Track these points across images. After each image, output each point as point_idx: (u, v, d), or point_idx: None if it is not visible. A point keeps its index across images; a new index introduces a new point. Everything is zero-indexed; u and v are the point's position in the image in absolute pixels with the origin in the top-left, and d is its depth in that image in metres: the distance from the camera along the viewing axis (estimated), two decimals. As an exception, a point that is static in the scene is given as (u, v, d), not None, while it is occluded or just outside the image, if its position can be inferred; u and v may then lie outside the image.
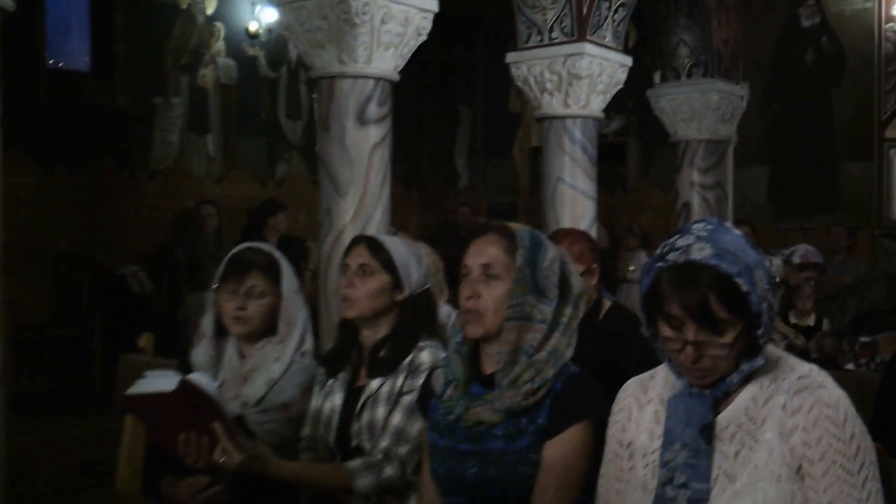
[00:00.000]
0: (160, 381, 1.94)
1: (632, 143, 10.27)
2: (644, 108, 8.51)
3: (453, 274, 3.81)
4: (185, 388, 1.91)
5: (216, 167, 8.59)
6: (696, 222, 1.65)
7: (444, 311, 3.30)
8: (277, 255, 2.46)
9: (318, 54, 4.90)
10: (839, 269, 7.30)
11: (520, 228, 2.00)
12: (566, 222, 6.33)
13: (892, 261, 8.39)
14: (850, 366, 4.51)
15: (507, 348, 1.90)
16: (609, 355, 2.78)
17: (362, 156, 4.87)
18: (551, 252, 1.98)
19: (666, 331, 1.60)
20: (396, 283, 2.30)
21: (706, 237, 1.58)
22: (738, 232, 1.63)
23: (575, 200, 6.49)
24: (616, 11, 6.64)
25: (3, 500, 3.19)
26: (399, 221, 6.28)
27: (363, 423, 2.22)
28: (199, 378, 1.97)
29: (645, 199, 9.73)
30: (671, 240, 1.62)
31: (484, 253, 1.96)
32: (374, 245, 2.33)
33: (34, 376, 6.52)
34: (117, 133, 7.75)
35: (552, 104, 6.55)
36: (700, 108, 7.98)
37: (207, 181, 8.38)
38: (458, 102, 11.18)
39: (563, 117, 6.50)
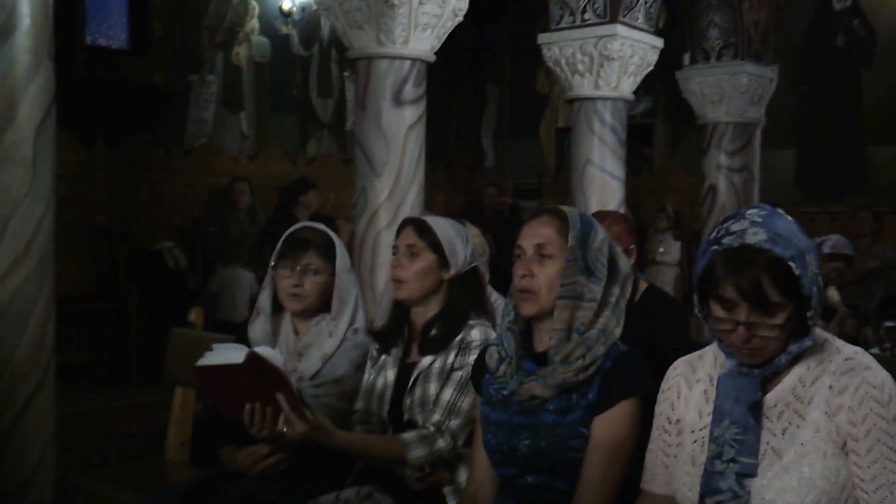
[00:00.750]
0: (229, 354, 2.04)
1: (659, 124, 10.26)
2: (672, 89, 8.51)
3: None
4: (254, 360, 2.00)
5: (249, 145, 8.68)
6: (749, 208, 1.71)
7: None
8: (332, 234, 2.55)
9: (357, 35, 4.97)
10: (865, 253, 7.32)
11: (571, 211, 2.08)
12: (594, 204, 6.40)
13: (918, 246, 8.38)
14: (874, 350, 4.55)
15: (560, 326, 1.97)
16: (645, 336, 2.85)
17: (398, 136, 4.95)
18: (601, 234, 2.06)
19: (718, 311, 1.67)
20: (443, 263, 2.37)
21: (760, 222, 1.64)
22: (790, 218, 1.70)
23: (604, 182, 6.55)
24: (648, -7, 6.65)
25: (55, 467, 3.31)
26: (426, 201, 6.35)
27: (415, 397, 2.31)
28: (266, 351, 2.06)
29: (671, 180, 9.74)
30: (725, 224, 1.69)
31: (538, 234, 2.03)
32: (420, 226, 2.41)
33: (73, 348, 6.66)
34: (154, 110, 7.85)
35: (583, 85, 6.59)
36: (729, 90, 7.99)
37: (241, 158, 8.47)
38: (486, 82, 11.20)
39: (594, 99, 6.55)
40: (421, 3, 4.90)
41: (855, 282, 6.89)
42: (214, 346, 2.08)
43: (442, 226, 2.42)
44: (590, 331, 1.98)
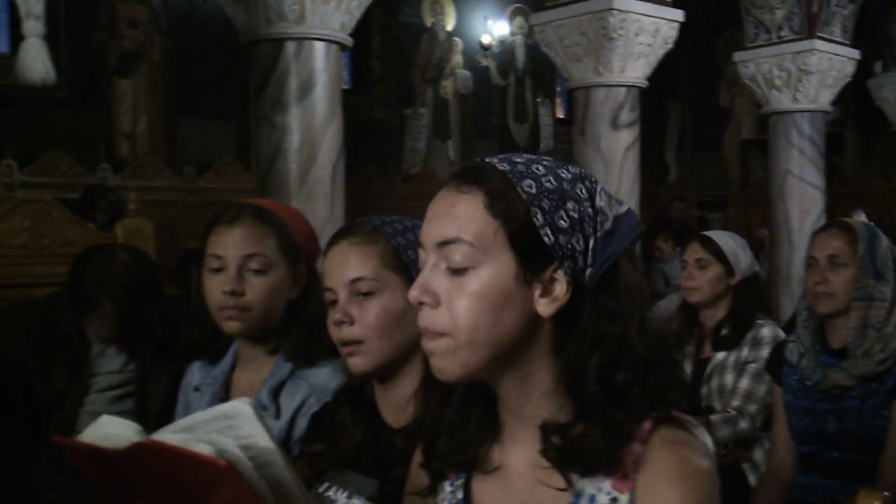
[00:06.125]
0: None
1: (848, 132, 10.18)
2: (861, 97, 8.50)
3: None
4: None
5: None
6: None
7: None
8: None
9: (576, 67, 5.40)
10: None
11: (857, 223, 2.41)
12: (795, 213, 6.60)
13: None
14: None
15: (855, 324, 2.30)
16: None
17: (616, 157, 5.34)
18: (885, 241, 2.38)
19: None
20: (729, 271, 2.73)
21: None
22: None
23: (804, 192, 6.69)
24: (845, 7, 6.78)
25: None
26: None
27: (712, 387, 2.68)
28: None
29: (864, 189, 9.62)
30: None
31: (829, 245, 2.37)
32: (705, 241, 2.79)
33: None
34: (376, 142, 8.56)
35: (780, 100, 6.76)
36: (925, 95, 7.96)
37: (451, 183, 9.10)
38: (667, 99, 11.42)
39: (792, 112, 6.71)
40: (636, 34, 5.28)
41: None
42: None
43: (723, 238, 2.79)
44: (886, 327, 2.29)
